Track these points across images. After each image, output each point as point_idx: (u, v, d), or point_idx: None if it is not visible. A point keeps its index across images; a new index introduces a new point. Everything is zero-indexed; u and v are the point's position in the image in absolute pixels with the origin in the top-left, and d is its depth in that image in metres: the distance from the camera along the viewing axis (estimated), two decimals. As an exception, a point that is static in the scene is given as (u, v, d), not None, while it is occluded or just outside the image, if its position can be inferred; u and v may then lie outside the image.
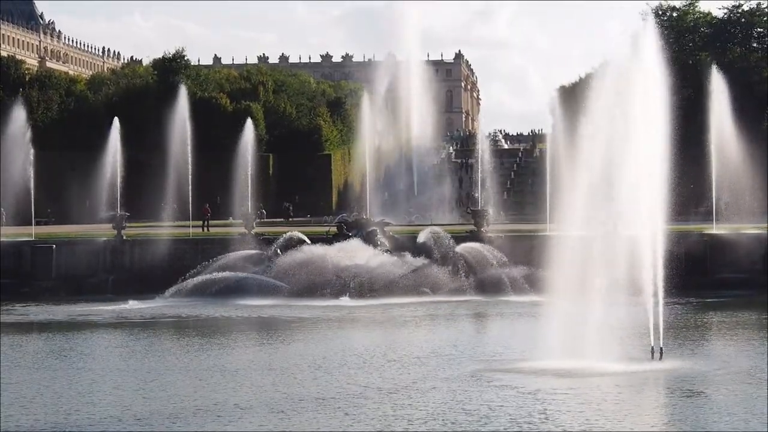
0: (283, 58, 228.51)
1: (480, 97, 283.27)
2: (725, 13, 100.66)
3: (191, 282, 55.03)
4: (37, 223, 69.94)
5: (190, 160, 67.67)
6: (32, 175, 65.56)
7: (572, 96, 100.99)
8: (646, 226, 29.56)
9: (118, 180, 64.93)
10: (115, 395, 27.41)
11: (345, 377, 29.65)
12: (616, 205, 29.44)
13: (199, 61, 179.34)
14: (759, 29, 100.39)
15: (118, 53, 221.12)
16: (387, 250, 58.50)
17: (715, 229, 61.45)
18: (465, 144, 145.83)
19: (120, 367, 32.65)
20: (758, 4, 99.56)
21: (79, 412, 25.20)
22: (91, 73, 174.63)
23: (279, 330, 42.91)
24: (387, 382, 28.82)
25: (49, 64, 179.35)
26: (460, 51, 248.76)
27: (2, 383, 29.25)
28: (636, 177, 29.41)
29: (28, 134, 67.27)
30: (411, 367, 31.42)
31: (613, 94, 29.77)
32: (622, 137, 29.49)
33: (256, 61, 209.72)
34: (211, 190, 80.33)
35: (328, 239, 60.31)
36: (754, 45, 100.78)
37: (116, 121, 66.04)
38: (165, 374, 30.88)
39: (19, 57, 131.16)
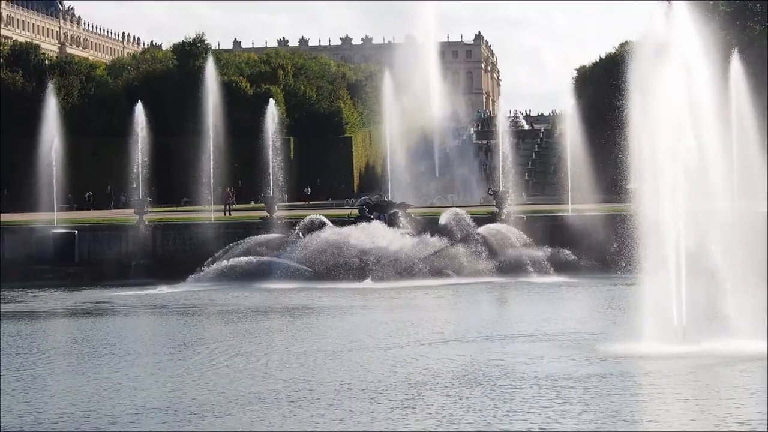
0: (303, 41, 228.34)
1: (500, 78, 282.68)
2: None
3: (215, 267, 55.00)
4: (60, 209, 70.05)
5: (211, 144, 67.72)
6: (55, 161, 65.68)
7: (592, 76, 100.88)
8: (666, 205, 29.54)
9: (140, 165, 64.95)
10: (161, 385, 26.59)
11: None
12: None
13: (219, 45, 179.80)
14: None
15: (138, 38, 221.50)
16: (409, 232, 58.45)
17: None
18: (486, 125, 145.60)
19: (168, 354, 31.94)
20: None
21: (118, 403, 24.50)
22: (111, 58, 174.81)
23: (315, 314, 42.54)
24: (437, 364, 28.77)
25: (69, 50, 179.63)
26: (480, 32, 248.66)
27: (43, 373, 28.66)
28: (671, 159, 29.45)
29: (52, 120, 67.35)
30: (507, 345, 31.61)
31: (653, 70, 29.61)
32: (662, 117, 29.48)
33: (275, 44, 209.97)
34: (233, 174, 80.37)
35: (350, 222, 60.28)
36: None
37: (139, 104, 66.08)
38: (216, 362, 30.14)
39: (38, 43, 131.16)
